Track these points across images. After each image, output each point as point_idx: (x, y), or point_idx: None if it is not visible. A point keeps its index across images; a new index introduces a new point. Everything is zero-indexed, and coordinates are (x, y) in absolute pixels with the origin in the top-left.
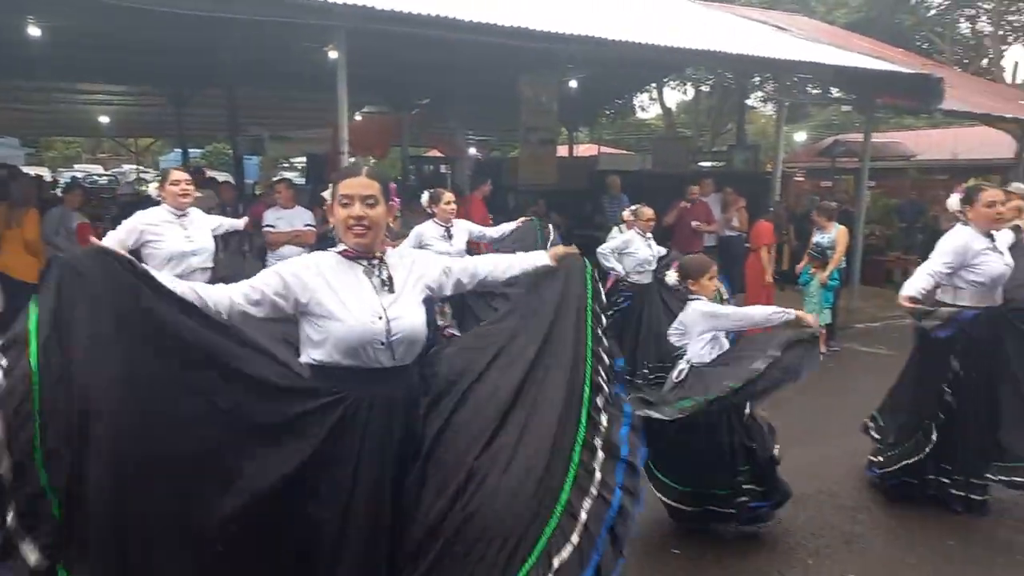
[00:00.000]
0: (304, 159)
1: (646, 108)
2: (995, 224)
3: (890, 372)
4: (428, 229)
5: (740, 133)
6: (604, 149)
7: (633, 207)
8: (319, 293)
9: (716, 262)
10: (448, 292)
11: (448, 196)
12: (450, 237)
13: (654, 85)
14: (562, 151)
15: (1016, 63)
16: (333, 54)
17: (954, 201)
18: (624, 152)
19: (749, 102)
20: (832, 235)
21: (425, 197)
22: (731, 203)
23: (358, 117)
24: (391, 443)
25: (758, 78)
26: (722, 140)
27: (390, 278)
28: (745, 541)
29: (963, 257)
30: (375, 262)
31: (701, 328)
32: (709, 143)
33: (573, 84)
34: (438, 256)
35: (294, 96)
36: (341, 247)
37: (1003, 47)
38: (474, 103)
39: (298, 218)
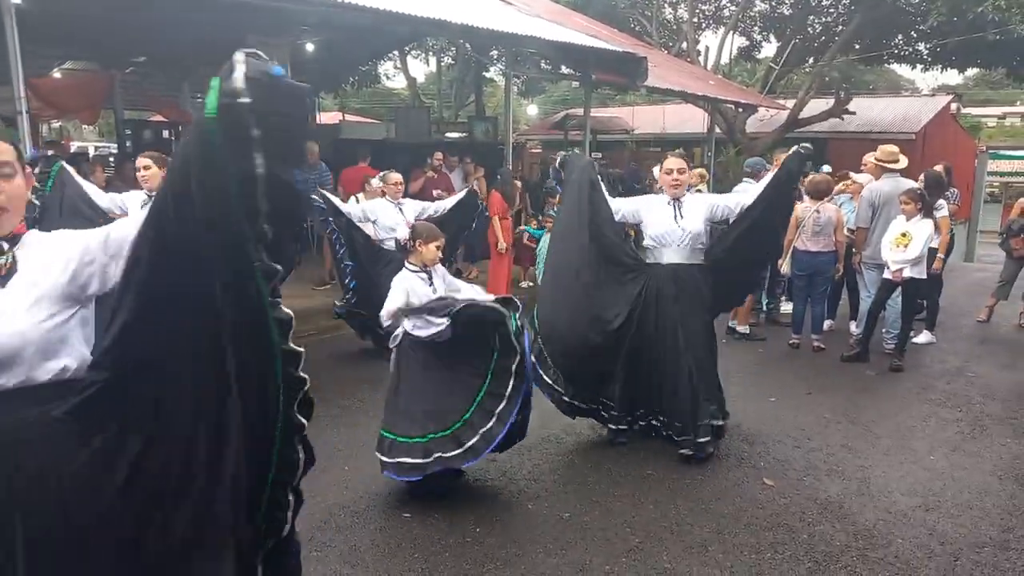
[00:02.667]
0: None
1: (392, 77)
2: (672, 189)
3: None
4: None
5: (479, 105)
6: (349, 117)
7: (382, 173)
8: None
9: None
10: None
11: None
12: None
13: (397, 54)
14: None
15: (707, 48)
16: None
17: (656, 170)
18: (369, 121)
19: (488, 75)
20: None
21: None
22: (470, 173)
23: (57, 74)
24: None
25: (495, 52)
26: (466, 111)
27: (13, 264)
28: (469, 492)
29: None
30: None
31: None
32: (453, 114)
33: (310, 48)
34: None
35: None
36: None
37: (698, 33)
38: (201, 63)
39: None
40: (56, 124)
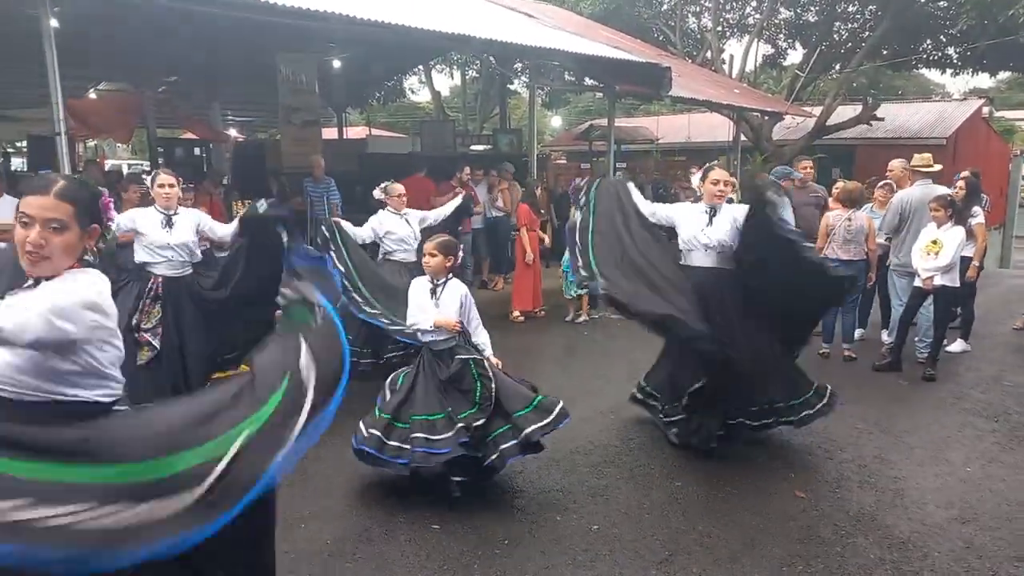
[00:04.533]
0: (26, 142)
1: (417, 92)
2: (716, 199)
3: (636, 335)
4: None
5: (503, 117)
6: (376, 131)
7: (383, 184)
8: None
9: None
10: None
11: (162, 178)
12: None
13: (422, 68)
14: (333, 133)
15: (732, 56)
16: (54, 22)
17: (695, 179)
18: (395, 135)
19: (513, 87)
20: None
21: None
22: (495, 185)
23: (93, 95)
24: None
25: (519, 64)
26: (491, 123)
27: None
28: (496, 504)
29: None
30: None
31: None
32: (478, 127)
33: (336, 64)
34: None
35: (10, 69)
36: None
37: (722, 41)
38: (231, 81)
39: (7, 208)
40: (92, 143)
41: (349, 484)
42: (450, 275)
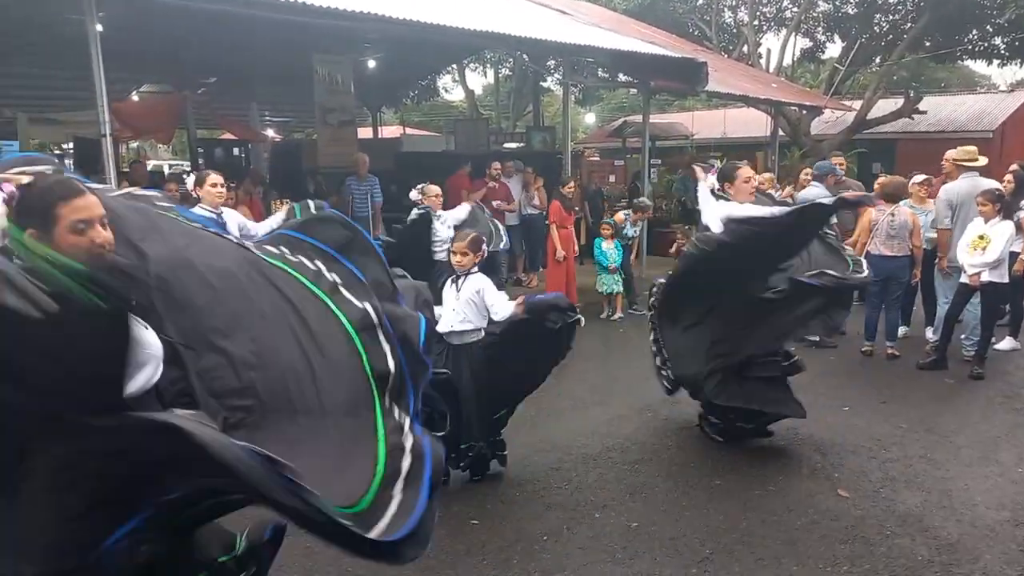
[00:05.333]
0: (72, 144)
1: (450, 90)
2: (751, 196)
3: None
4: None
5: (536, 115)
6: (410, 130)
7: (420, 185)
8: None
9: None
10: None
11: (214, 178)
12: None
13: (455, 67)
14: (368, 132)
15: (769, 51)
16: (99, 26)
17: (710, 179)
18: (430, 133)
19: (546, 84)
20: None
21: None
22: (530, 182)
23: (135, 97)
24: None
25: (553, 61)
26: (525, 121)
27: None
28: (535, 501)
29: None
30: None
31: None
32: (511, 125)
33: (371, 64)
34: None
35: (55, 73)
36: None
37: (759, 35)
38: (268, 82)
39: None
40: (134, 144)
41: None
42: (475, 268)
